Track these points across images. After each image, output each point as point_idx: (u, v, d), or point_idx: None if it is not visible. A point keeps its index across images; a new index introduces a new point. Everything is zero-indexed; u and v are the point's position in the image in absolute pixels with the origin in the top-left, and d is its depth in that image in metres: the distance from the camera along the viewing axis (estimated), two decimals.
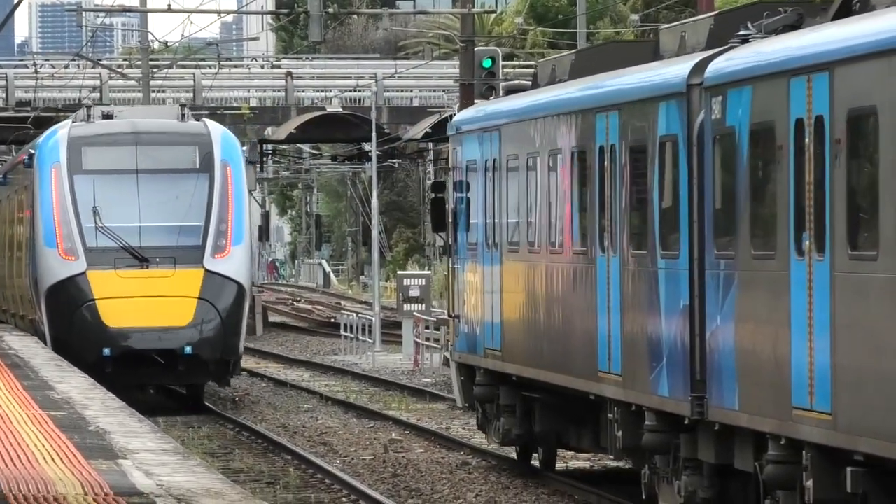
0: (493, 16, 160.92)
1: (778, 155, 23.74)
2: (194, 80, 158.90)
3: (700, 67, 26.98)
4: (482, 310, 38.33)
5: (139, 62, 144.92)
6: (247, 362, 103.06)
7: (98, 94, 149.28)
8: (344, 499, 49.48)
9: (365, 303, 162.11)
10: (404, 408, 79.17)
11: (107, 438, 35.52)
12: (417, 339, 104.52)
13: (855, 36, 21.98)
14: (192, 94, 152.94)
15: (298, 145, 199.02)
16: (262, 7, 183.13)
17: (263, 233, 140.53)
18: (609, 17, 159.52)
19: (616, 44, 59.02)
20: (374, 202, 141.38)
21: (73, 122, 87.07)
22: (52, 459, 30.14)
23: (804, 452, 23.17)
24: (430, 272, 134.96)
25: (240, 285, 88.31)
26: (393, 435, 67.43)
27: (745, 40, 27.27)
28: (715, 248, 26.22)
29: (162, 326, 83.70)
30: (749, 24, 27.67)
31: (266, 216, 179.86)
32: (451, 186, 42.36)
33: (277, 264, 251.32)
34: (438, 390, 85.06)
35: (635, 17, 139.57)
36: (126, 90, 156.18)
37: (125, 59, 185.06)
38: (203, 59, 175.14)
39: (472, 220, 40.49)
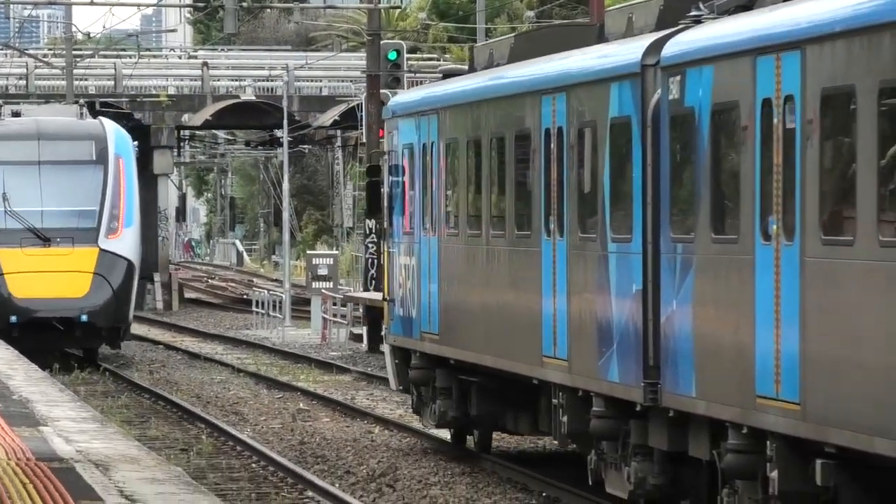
0: (398, 11, 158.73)
1: (742, 136, 21.58)
2: (115, 70, 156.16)
3: (655, 47, 24.83)
4: (419, 293, 36.09)
5: (63, 52, 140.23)
6: (163, 336, 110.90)
7: (24, 82, 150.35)
8: (254, 465, 48.49)
9: (276, 280, 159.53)
10: (312, 380, 78.43)
11: (29, 407, 34.74)
12: (325, 315, 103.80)
13: (830, 12, 19.71)
14: (113, 83, 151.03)
15: (214, 131, 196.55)
16: (181, 0, 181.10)
17: (180, 213, 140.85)
18: (506, 14, 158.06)
19: (557, 27, 53.28)
20: (286, 186, 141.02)
21: None
22: None
23: (768, 442, 21.24)
24: (337, 252, 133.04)
25: (130, 262, 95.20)
26: (301, 405, 67.64)
27: (697, 21, 25.20)
28: (671, 232, 24.08)
29: (61, 297, 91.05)
30: (701, 5, 25.65)
31: (183, 198, 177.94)
32: (387, 171, 39.66)
33: (193, 243, 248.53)
34: (344, 363, 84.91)
35: (531, 13, 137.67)
36: (51, 78, 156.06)
37: (50, 49, 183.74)
38: (124, 50, 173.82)
39: (408, 204, 37.93)
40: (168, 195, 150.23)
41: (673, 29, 25.41)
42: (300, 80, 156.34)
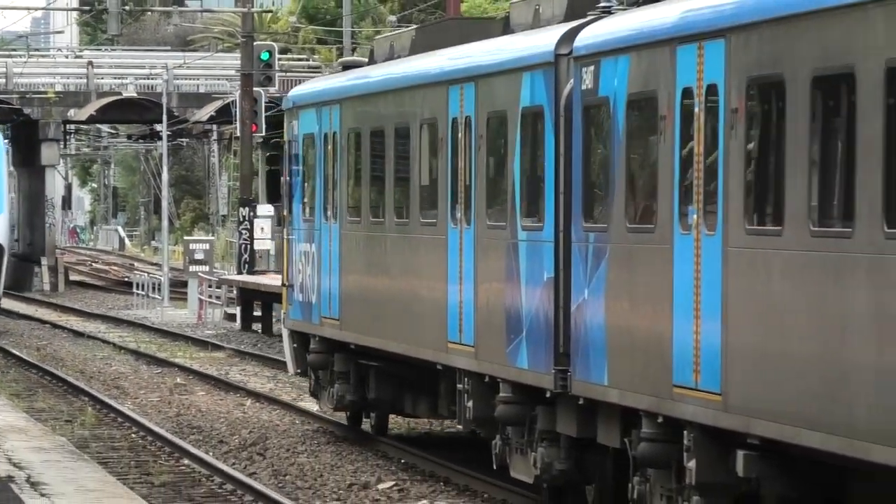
0: (270, 14, 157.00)
1: (661, 125, 19.84)
2: (6, 69, 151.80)
3: (569, 37, 23.15)
4: (319, 279, 34.27)
5: None
6: (50, 315, 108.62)
7: None
8: (133, 435, 48.49)
9: (155, 264, 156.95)
10: (188, 356, 78.54)
11: None
12: (201, 297, 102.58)
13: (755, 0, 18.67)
14: (4, 81, 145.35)
15: (98, 126, 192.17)
16: (68, 3, 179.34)
17: (66, 202, 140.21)
18: (371, 18, 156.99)
19: (459, 20, 50.87)
20: (165, 176, 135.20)
21: None
22: None
23: (686, 432, 19.67)
24: (213, 238, 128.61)
25: (0, 246, 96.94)
26: (178, 380, 67.50)
27: (607, 11, 23.70)
28: (583, 221, 22.44)
29: None
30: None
31: (69, 188, 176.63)
32: (287, 160, 37.73)
33: (78, 230, 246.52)
34: (218, 341, 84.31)
35: (393, 18, 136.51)
36: None
37: None
38: (14, 50, 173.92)
39: (308, 193, 36.29)
40: (55, 185, 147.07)
41: (584, 20, 23.71)
42: (179, 79, 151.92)
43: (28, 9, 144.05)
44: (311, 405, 49.93)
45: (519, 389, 25.31)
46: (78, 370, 67.26)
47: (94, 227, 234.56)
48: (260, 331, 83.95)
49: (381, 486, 32.43)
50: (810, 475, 17.71)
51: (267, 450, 43.10)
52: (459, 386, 27.80)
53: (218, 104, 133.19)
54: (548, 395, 24.04)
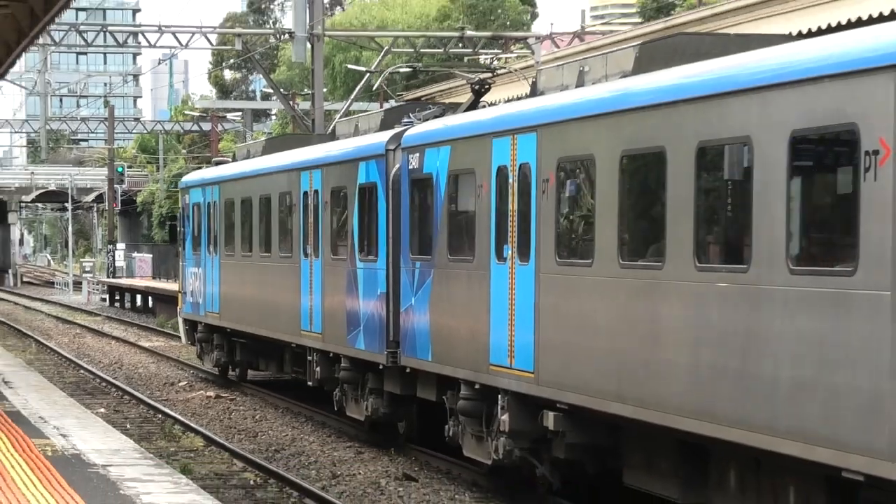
0: (123, 149, 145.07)
1: (479, 190, 15.51)
2: None
3: (395, 138, 18.47)
4: (204, 289, 29.05)
5: None
6: (11, 298, 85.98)
7: None
8: (55, 357, 39.55)
9: (66, 273, 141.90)
10: (82, 319, 59.83)
11: None
12: (88, 290, 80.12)
13: (565, 105, 13.99)
14: None
15: (37, 203, 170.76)
16: (21, 141, 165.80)
17: (21, 241, 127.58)
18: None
19: (297, 134, 35.77)
20: (69, 228, 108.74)
21: None
22: None
23: (500, 395, 15.03)
24: (94, 259, 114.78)
25: None
26: (77, 330, 53.09)
27: (410, 124, 19.06)
28: (410, 254, 17.71)
29: None
30: (410, 115, 19.78)
31: (22, 234, 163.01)
32: (181, 218, 32.16)
33: (27, 255, 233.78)
34: (97, 311, 66.50)
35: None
36: None
37: None
38: None
39: (196, 237, 30.62)
40: (16, 233, 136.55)
41: (403, 127, 19.29)
42: (77, 180, 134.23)
43: None
44: (152, 345, 45.39)
45: (354, 362, 20.47)
46: (27, 325, 55.90)
47: (35, 254, 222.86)
48: (118, 307, 69.83)
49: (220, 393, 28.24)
50: (596, 429, 13.28)
51: (122, 366, 37.31)
52: (310, 357, 22.78)
53: (96, 193, 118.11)
54: (380, 367, 19.40)
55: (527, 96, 19.69)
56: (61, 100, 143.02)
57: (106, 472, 12.18)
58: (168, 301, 59.43)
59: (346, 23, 61.67)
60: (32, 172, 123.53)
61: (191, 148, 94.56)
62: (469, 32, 46.69)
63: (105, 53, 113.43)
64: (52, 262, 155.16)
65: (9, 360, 29.64)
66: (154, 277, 72.45)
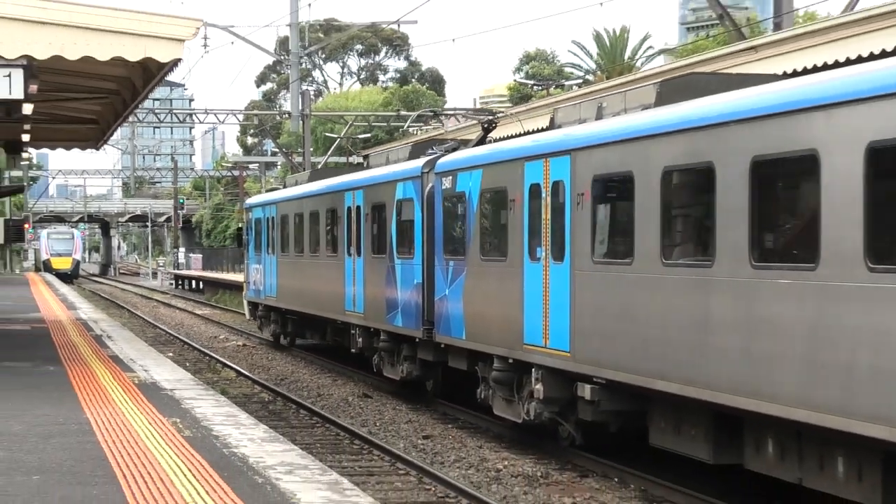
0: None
1: (511, 205, 12.78)
2: None
3: (428, 164, 15.78)
4: (264, 280, 26.01)
5: None
6: (116, 284, 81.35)
7: None
8: (140, 322, 37.52)
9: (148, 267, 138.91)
10: (159, 298, 51.88)
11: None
12: (162, 278, 78.96)
13: (601, 132, 11.08)
14: None
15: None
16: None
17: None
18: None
19: (336, 167, 40.54)
20: (149, 241, 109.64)
21: None
22: None
23: (534, 369, 12.28)
24: (165, 258, 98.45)
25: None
26: (154, 304, 45.52)
27: (434, 153, 15.94)
28: (444, 255, 14.85)
29: None
30: (433, 147, 16.90)
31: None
32: (245, 230, 29.45)
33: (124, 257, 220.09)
34: (166, 291, 61.29)
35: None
36: None
37: None
38: None
39: (257, 243, 27.55)
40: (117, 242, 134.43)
41: (433, 156, 16.10)
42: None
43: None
44: (203, 313, 44.03)
45: (392, 336, 17.52)
46: (122, 300, 50.23)
47: (127, 255, 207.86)
48: (181, 289, 64.59)
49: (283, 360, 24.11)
50: (626, 398, 10.63)
51: (183, 326, 36.49)
52: (353, 331, 19.81)
53: (166, 216, 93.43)
54: (416, 340, 16.49)
55: (534, 131, 17.40)
56: (143, 157, 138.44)
57: (172, 394, 12.85)
58: (213, 284, 58.12)
59: (324, 107, 68.26)
60: (125, 203, 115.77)
61: (226, 188, 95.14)
62: (402, 113, 52.84)
63: (171, 126, 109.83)
64: (137, 260, 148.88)
65: (111, 322, 25.89)
66: (203, 269, 71.68)
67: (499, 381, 13.78)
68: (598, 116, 12.23)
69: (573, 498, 11.30)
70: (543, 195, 12.75)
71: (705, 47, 42.40)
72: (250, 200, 31.53)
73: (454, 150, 17.38)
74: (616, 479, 12.09)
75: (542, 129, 16.75)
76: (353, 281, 19.97)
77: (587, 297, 11.82)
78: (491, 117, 17.91)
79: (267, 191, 37.21)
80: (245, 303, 31.60)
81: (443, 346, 16.06)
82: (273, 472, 8.11)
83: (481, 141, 17.34)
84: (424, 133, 47.47)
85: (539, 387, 12.40)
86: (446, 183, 15.63)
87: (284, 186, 29.31)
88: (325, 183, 23.86)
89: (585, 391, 11.77)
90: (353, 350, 21.00)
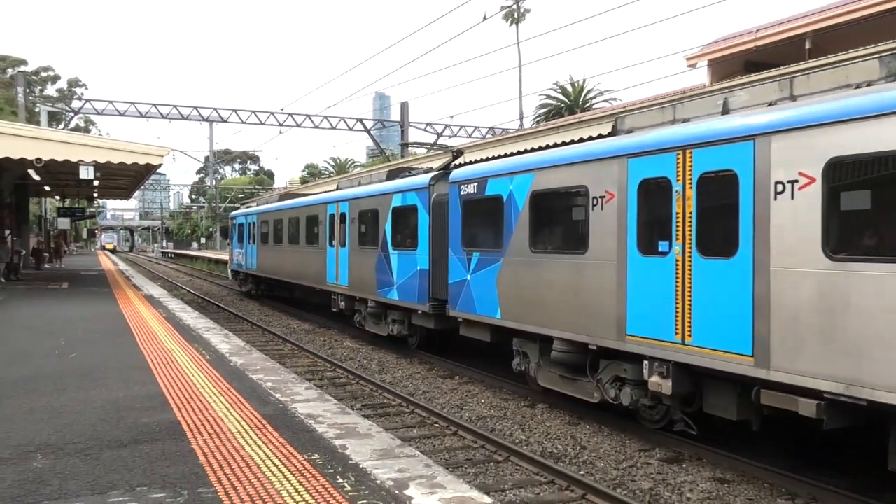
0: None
1: (596, 202, 10.07)
2: None
3: (435, 178, 15.04)
4: (247, 258, 28.96)
5: None
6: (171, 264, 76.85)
7: None
8: (199, 300, 29.21)
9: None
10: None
11: None
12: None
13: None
14: None
15: None
16: None
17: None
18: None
19: (303, 184, 40.48)
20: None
21: None
22: None
23: (647, 362, 9.39)
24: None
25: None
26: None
27: (406, 176, 16.78)
28: (463, 247, 13.51)
29: None
30: (406, 173, 17.16)
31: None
32: (230, 229, 32.98)
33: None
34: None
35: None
36: None
37: None
38: None
39: (240, 237, 30.89)
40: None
41: (438, 172, 15.47)
42: None
43: None
44: (173, 266, 47.56)
45: (380, 304, 16.65)
46: (136, 261, 50.28)
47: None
48: (166, 257, 72.48)
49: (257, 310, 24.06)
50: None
51: (165, 272, 41.94)
52: (334, 297, 19.64)
53: (158, 227, 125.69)
54: (419, 312, 14.92)
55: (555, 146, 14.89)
56: (150, 202, 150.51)
57: (160, 300, 16.11)
58: (179, 255, 73.51)
59: (224, 184, 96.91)
60: (140, 222, 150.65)
61: (184, 216, 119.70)
62: (259, 187, 73.58)
63: (159, 189, 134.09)
64: (146, 245, 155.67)
65: (132, 271, 35.36)
66: (174, 249, 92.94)
67: (561, 361, 10.21)
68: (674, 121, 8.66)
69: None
70: (674, 188, 8.35)
71: None
72: (234, 213, 32.37)
73: (446, 167, 14.69)
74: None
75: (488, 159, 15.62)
76: (335, 263, 19.11)
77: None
78: (458, 147, 17.42)
79: (243, 206, 40.89)
80: (230, 271, 33.88)
81: (460, 319, 12.58)
82: (207, 335, 12.29)
83: (447, 166, 15.26)
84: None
85: (667, 382, 8.45)
86: (468, 189, 12.68)
87: (258, 204, 30.36)
88: (302, 199, 23.06)
89: (804, 406, 6.98)
90: (334, 309, 18.87)
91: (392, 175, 17.03)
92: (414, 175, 15.58)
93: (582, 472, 8.30)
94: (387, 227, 16.30)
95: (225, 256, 52.18)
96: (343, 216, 18.84)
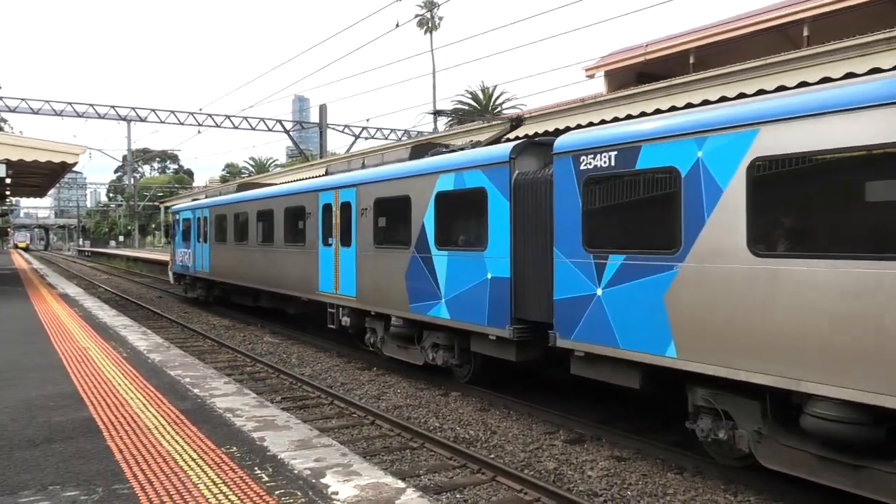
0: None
1: (681, 187, 7.45)
2: None
3: (516, 150, 10.00)
4: (195, 259, 23.63)
5: None
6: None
7: None
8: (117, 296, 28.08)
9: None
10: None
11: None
12: None
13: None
14: None
15: None
16: None
17: None
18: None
19: (251, 183, 26.29)
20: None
21: None
22: None
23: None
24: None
25: None
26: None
27: (437, 153, 12.05)
28: (586, 247, 8.55)
29: None
30: (439, 147, 12.63)
31: None
32: (172, 226, 26.33)
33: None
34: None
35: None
36: None
37: None
38: None
39: (185, 235, 24.83)
40: None
41: (522, 141, 10.01)
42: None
43: None
44: (91, 265, 42.89)
45: (409, 323, 12.17)
46: (52, 260, 43.67)
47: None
48: (82, 255, 66.32)
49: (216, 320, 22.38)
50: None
51: (81, 271, 38.42)
52: (332, 310, 14.28)
53: (74, 225, 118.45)
54: (491, 337, 10.18)
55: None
56: (65, 200, 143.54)
57: (116, 331, 13.31)
58: (95, 253, 67.88)
59: (142, 183, 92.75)
60: (56, 220, 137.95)
61: (101, 214, 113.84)
62: (178, 186, 71.06)
63: (75, 187, 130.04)
64: (61, 244, 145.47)
65: (47, 270, 32.07)
66: (91, 247, 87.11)
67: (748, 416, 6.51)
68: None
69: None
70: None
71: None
72: (175, 207, 25.78)
73: (497, 140, 10.52)
74: None
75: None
76: (332, 267, 13.74)
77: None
78: (518, 115, 13.10)
79: (192, 199, 32.50)
80: (171, 273, 27.11)
81: (579, 353, 7.99)
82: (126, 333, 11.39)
83: (497, 141, 11.12)
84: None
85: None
86: (595, 161, 7.83)
87: (206, 197, 24.28)
88: (277, 188, 16.90)
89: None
90: (331, 326, 13.59)
91: (418, 153, 11.96)
92: (451, 152, 10.85)
93: (492, 456, 8.12)
94: (427, 219, 10.93)
95: (146, 255, 50.33)
96: (346, 207, 13.25)
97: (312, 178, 18.11)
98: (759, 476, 6.97)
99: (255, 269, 17.51)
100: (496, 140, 10.85)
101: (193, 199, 29.26)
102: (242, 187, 21.43)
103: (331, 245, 13.66)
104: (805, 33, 17.56)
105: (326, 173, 14.72)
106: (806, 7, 17.65)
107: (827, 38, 13.50)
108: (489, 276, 9.64)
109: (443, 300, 10.49)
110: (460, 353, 10.49)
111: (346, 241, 13.13)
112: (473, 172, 9.88)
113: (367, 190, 12.32)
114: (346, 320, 12.98)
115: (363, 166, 13.23)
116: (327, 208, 13.65)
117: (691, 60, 19.57)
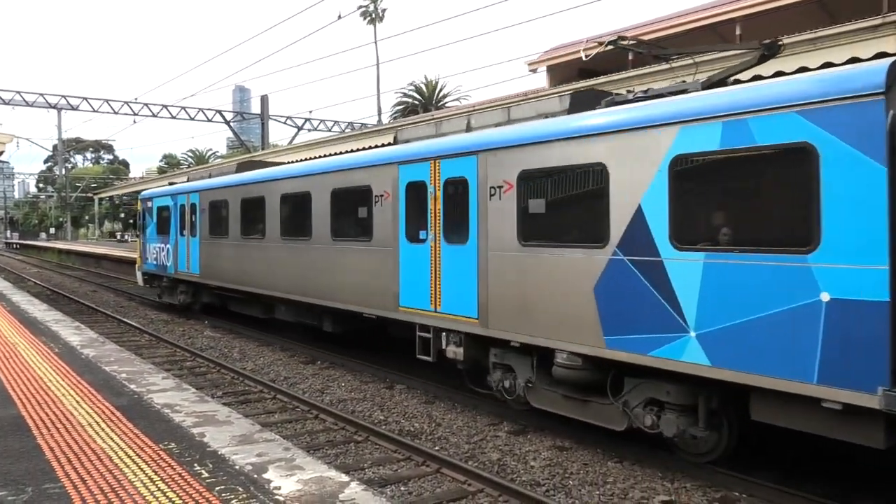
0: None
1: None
2: None
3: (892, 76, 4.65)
4: (177, 258, 19.24)
5: None
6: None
7: None
8: (49, 293, 27.47)
9: None
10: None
11: None
12: None
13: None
14: None
15: None
16: None
17: None
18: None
19: (252, 161, 19.25)
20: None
21: None
22: None
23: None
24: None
25: None
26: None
27: (611, 102, 6.81)
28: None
29: None
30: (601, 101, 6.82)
31: None
32: (143, 215, 21.49)
33: None
34: None
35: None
36: None
37: None
38: None
39: (166, 226, 19.42)
40: None
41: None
42: None
43: None
44: (20, 258, 41.76)
45: (592, 363, 7.08)
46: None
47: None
48: (10, 248, 61.57)
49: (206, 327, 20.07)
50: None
51: (9, 264, 35.75)
52: (426, 334, 9.04)
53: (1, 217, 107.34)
54: (839, 406, 5.15)
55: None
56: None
57: (47, 326, 13.02)
58: (24, 246, 62.95)
59: (74, 173, 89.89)
60: None
61: (31, 206, 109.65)
62: (113, 177, 68.35)
63: (3, 178, 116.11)
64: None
65: (4, 283, 27.10)
66: (20, 239, 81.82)
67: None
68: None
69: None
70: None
71: None
72: (148, 192, 20.42)
73: (678, 92, 6.64)
74: None
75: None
76: (430, 272, 9.00)
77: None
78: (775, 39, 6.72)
79: (169, 184, 25.91)
80: (139, 273, 22.07)
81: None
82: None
83: (678, 90, 6.77)
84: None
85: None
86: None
87: (188, 180, 18.87)
88: (318, 163, 11.95)
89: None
90: (425, 357, 9.06)
91: (577, 104, 7.62)
92: (646, 99, 6.91)
93: (437, 448, 7.94)
94: (648, 200, 6.51)
95: (79, 248, 47.99)
96: (454, 185, 8.56)
97: (365, 149, 13.71)
98: (694, 465, 7.25)
99: (275, 273, 12.96)
100: (677, 90, 6.61)
101: (170, 184, 24.54)
102: (244, 166, 16.90)
103: (424, 241, 9.01)
104: (737, 32, 17.91)
105: (395, 142, 10.40)
106: (738, 7, 17.94)
107: (759, 36, 14.06)
108: (825, 297, 5.39)
109: (691, 333, 6.15)
110: (708, 417, 6.31)
111: (455, 234, 8.41)
112: (778, 118, 5.36)
113: (503, 158, 7.71)
114: (456, 351, 8.46)
115: (467, 127, 8.87)
116: (416, 188, 9.13)
117: (630, 56, 19.75)
